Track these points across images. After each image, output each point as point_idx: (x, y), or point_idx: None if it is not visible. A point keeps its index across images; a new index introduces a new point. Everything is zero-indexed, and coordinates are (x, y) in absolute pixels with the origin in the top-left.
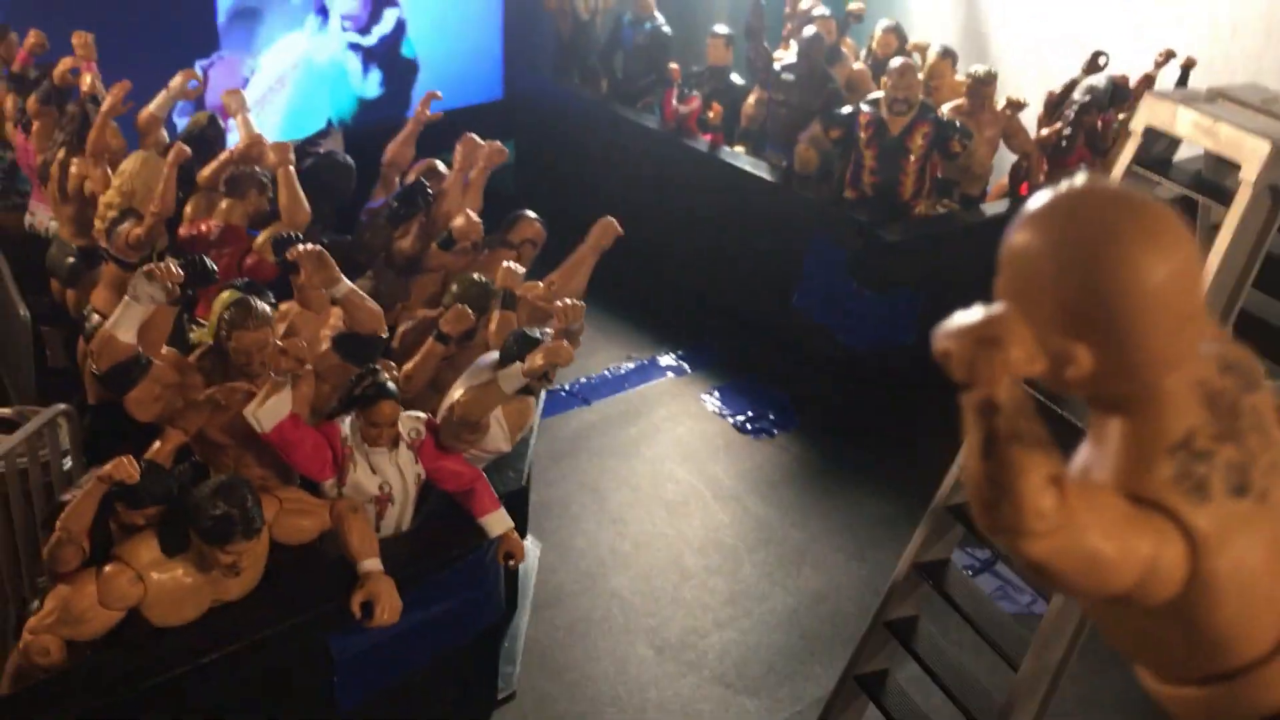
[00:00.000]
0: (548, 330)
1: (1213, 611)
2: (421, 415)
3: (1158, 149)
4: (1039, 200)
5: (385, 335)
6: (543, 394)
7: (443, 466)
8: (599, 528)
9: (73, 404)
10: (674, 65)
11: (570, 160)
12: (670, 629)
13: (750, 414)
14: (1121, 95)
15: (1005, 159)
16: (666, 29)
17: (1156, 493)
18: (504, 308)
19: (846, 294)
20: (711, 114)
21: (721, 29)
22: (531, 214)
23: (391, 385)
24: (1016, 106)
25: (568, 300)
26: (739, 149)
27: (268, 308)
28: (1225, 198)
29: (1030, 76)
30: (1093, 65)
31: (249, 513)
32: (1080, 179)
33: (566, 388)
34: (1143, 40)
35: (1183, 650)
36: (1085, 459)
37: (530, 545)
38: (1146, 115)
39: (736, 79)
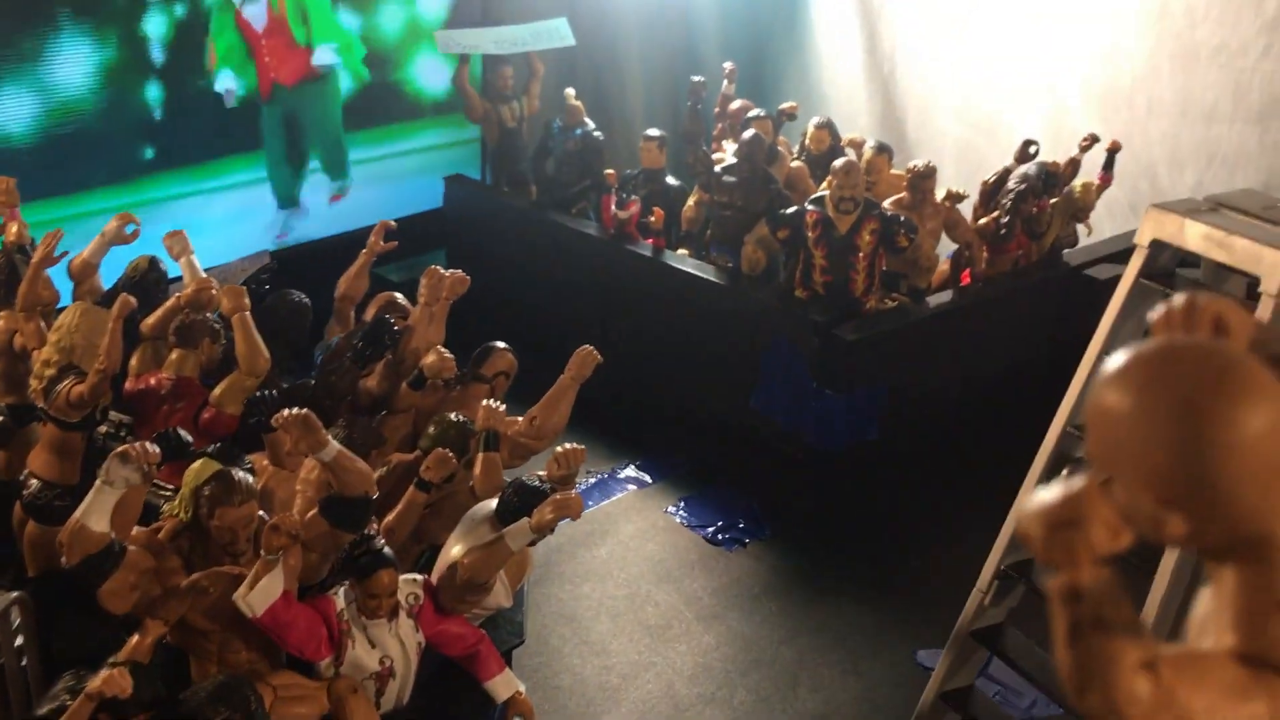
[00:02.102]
0: (542, 475)
1: None
2: (418, 578)
3: (1163, 260)
4: (1123, 361)
5: (376, 495)
6: None
7: (445, 630)
8: (583, 662)
9: (5, 577)
10: (610, 171)
11: (505, 269)
12: None
13: (720, 524)
14: (1052, 181)
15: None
16: (598, 134)
17: (1268, 649)
18: (486, 449)
19: (808, 394)
20: (653, 219)
21: (654, 132)
22: (502, 345)
23: (389, 551)
24: (956, 198)
25: (569, 446)
26: (682, 252)
27: (250, 479)
28: None
29: (949, 167)
30: (1024, 154)
31: (253, 715)
32: (1160, 340)
33: None
34: (1064, 127)
35: None
36: (1205, 609)
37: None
38: (1153, 228)
39: (672, 181)
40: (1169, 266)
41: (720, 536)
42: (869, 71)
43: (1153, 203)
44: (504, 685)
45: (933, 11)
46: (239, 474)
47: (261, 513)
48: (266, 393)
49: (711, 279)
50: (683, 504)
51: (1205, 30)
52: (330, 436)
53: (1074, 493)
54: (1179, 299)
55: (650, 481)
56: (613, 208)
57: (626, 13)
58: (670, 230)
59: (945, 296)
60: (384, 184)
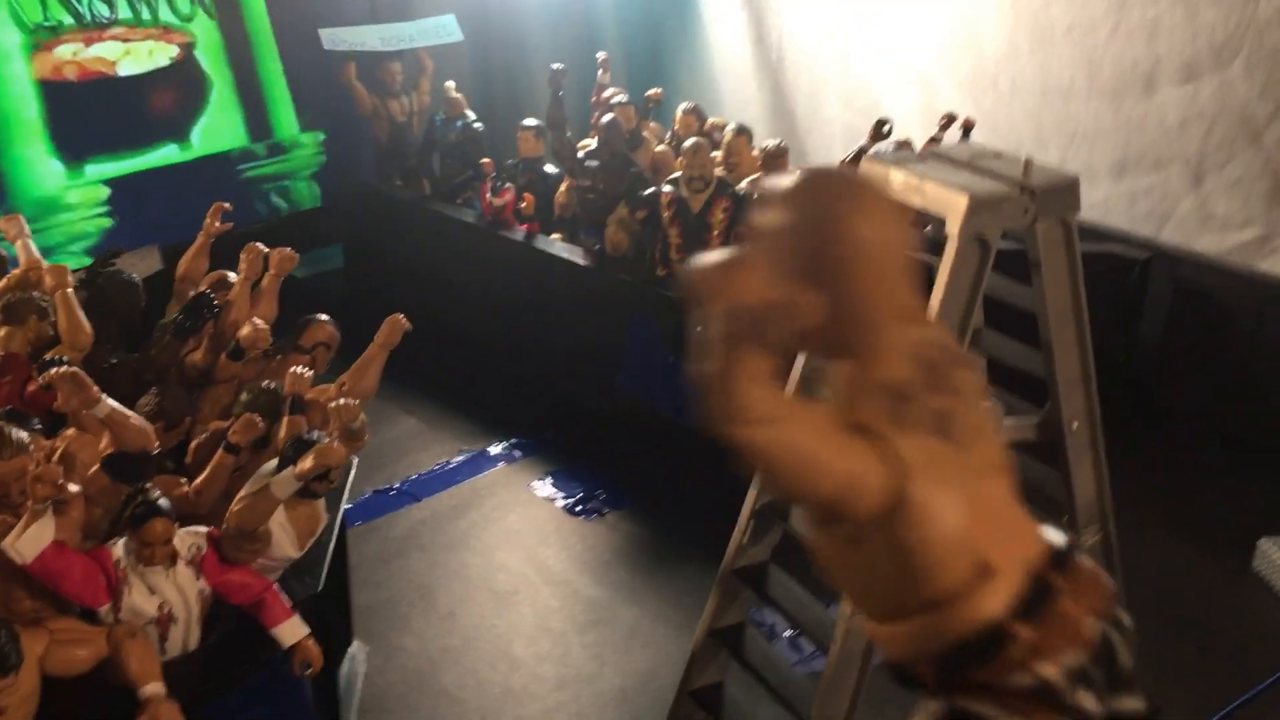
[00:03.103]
0: (322, 433)
1: (915, 535)
2: (202, 530)
3: None
4: (786, 180)
5: (155, 451)
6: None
7: (228, 580)
8: (428, 625)
9: None
10: (487, 160)
11: (399, 260)
12: None
13: (581, 496)
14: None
15: None
16: (478, 125)
17: (867, 419)
18: (293, 412)
19: (666, 369)
20: (524, 204)
21: (530, 121)
22: (323, 316)
23: (164, 502)
24: None
25: (341, 400)
26: (555, 236)
27: (24, 435)
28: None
29: (838, 151)
30: (877, 133)
31: (2, 649)
32: (817, 167)
33: (398, 485)
34: (937, 109)
35: (894, 581)
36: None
37: (356, 650)
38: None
39: (550, 169)
40: None
41: (579, 508)
42: (758, 60)
43: (871, 154)
44: (289, 631)
45: (814, 1)
46: (9, 429)
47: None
48: (58, 357)
49: (578, 261)
50: (549, 478)
51: (1058, 9)
52: (103, 394)
53: (739, 250)
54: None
55: (519, 456)
56: (488, 196)
57: (529, 8)
58: (546, 216)
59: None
60: None
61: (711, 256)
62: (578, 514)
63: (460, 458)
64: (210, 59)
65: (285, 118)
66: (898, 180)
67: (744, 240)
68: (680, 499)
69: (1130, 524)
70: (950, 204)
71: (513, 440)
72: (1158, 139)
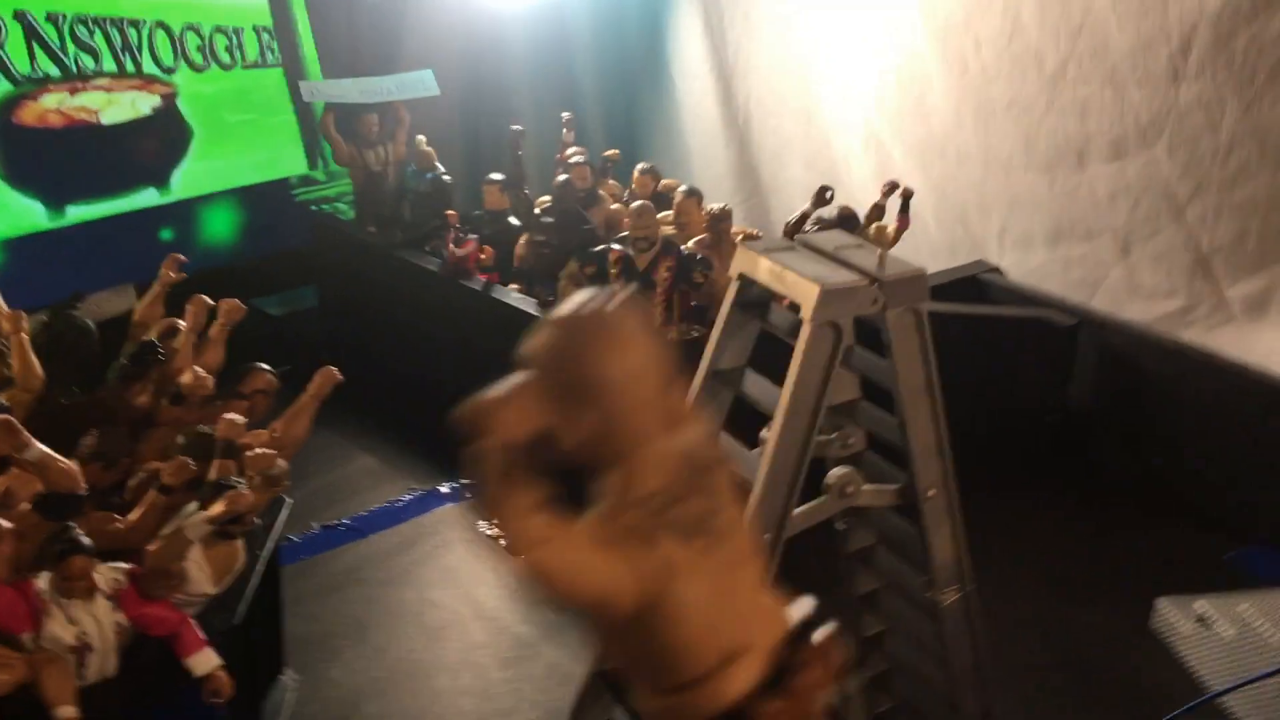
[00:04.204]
0: (241, 481)
1: (667, 630)
2: (124, 566)
3: (756, 291)
4: (552, 315)
5: (83, 491)
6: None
7: (145, 614)
8: (358, 657)
9: None
10: (451, 212)
11: (370, 303)
12: None
13: None
14: (851, 223)
15: None
16: (447, 177)
17: (630, 526)
18: (225, 456)
19: None
20: (484, 256)
21: (496, 176)
22: (263, 366)
23: (85, 540)
24: (751, 239)
25: (257, 450)
26: (513, 287)
27: None
28: None
29: (799, 207)
30: (820, 199)
31: None
32: (576, 300)
33: (346, 522)
34: (889, 175)
35: (656, 662)
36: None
37: (287, 681)
38: (739, 263)
39: (514, 221)
40: (763, 297)
41: None
42: (725, 121)
43: (747, 244)
44: (202, 662)
45: (778, 68)
46: None
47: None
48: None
49: (530, 311)
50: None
51: (999, 87)
52: (31, 439)
53: (501, 388)
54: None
55: (469, 497)
56: (451, 246)
57: (509, 65)
58: (505, 266)
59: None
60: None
61: (483, 395)
62: None
63: (409, 496)
64: (192, 108)
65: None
66: (764, 267)
67: (516, 373)
68: None
69: (1036, 578)
70: (805, 292)
71: (462, 480)
72: (1089, 210)
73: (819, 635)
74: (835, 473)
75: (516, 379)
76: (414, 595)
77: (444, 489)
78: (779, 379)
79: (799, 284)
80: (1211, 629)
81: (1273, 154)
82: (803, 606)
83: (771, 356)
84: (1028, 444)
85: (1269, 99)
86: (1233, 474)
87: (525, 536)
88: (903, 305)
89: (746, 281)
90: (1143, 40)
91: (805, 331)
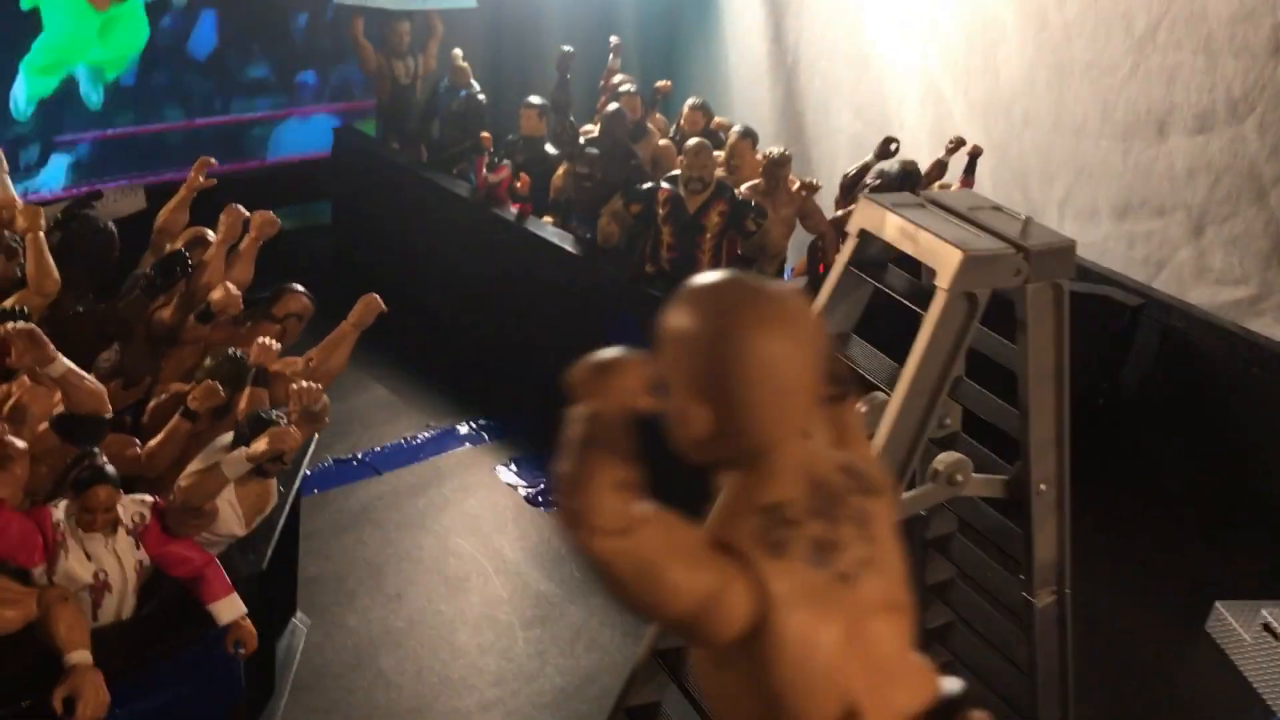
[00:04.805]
0: (282, 413)
1: (779, 669)
2: (148, 499)
3: (873, 250)
4: (688, 285)
5: (109, 415)
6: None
7: (169, 552)
8: (374, 604)
9: None
10: (485, 134)
11: (388, 224)
12: (433, 712)
13: (543, 485)
14: (913, 179)
15: (803, 238)
16: (481, 97)
17: (737, 539)
18: (256, 384)
19: None
20: (519, 184)
21: (535, 100)
22: (298, 287)
23: (110, 469)
24: (810, 188)
25: (304, 383)
26: (547, 220)
27: None
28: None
29: (844, 160)
30: (884, 151)
31: None
32: (722, 272)
33: (360, 456)
34: (948, 132)
35: (756, 714)
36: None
37: (298, 624)
38: (861, 218)
39: (550, 149)
40: (879, 257)
41: (540, 498)
42: (773, 61)
43: (869, 195)
44: (226, 609)
45: (833, 7)
46: None
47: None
48: (16, 307)
49: (567, 248)
50: (513, 464)
51: (1079, 46)
52: (58, 354)
53: (622, 353)
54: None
55: (487, 440)
56: (484, 171)
57: None
58: (540, 198)
59: (797, 283)
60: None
61: (596, 355)
62: (538, 504)
63: (426, 434)
64: None
65: None
66: (893, 225)
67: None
68: (664, 498)
69: (1088, 576)
70: (943, 258)
71: (481, 422)
72: (1163, 185)
73: (976, 715)
74: (944, 458)
75: (652, 348)
76: (432, 542)
77: (462, 429)
78: (880, 346)
79: (937, 247)
80: (1277, 639)
81: None
82: (952, 683)
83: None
84: (1078, 432)
85: None
86: None
87: (604, 521)
88: (1045, 279)
89: (867, 238)
90: (1245, 8)
91: (940, 300)
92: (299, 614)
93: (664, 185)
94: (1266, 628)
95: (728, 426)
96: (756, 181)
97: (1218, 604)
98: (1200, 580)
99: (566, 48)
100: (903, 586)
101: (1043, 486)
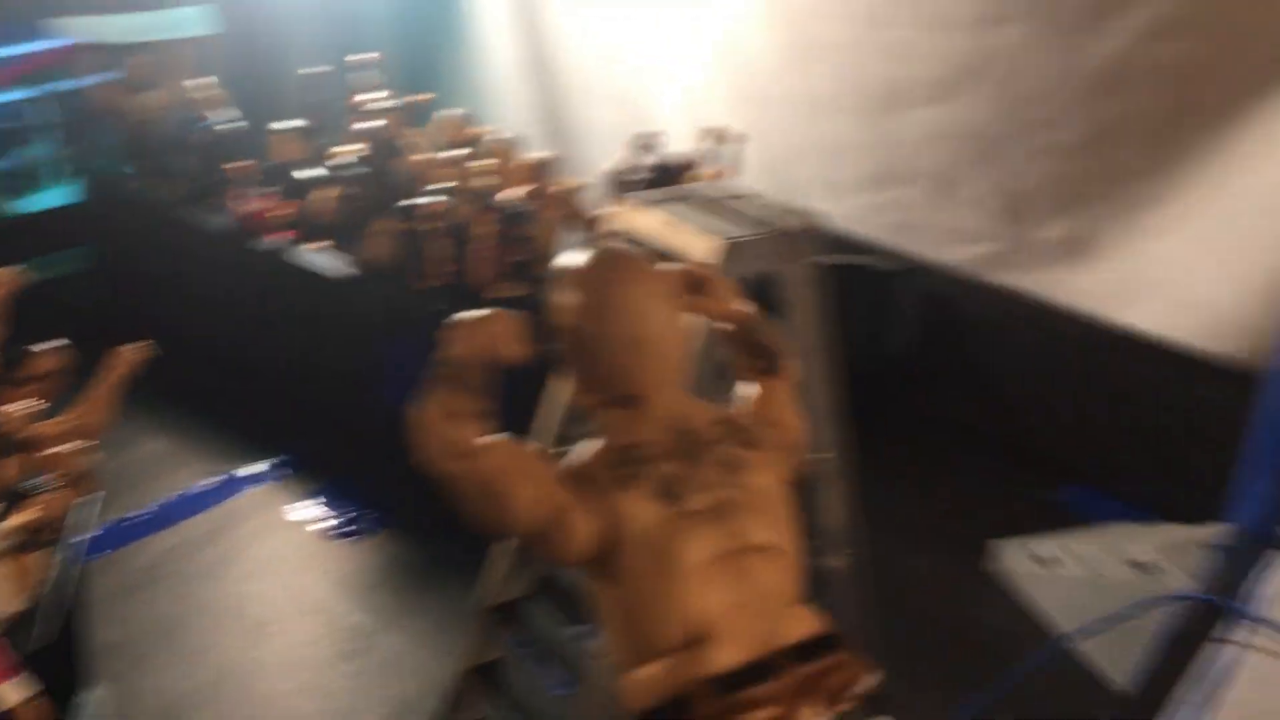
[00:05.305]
0: (47, 478)
1: (627, 586)
2: None
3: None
4: (566, 258)
5: None
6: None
7: None
8: (176, 663)
9: None
10: (238, 164)
11: (151, 266)
12: None
13: (345, 518)
14: (674, 173)
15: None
16: (235, 125)
17: (590, 470)
18: (21, 452)
19: None
20: (278, 211)
21: (289, 124)
22: (52, 344)
23: None
24: (574, 189)
25: (67, 446)
26: (310, 245)
27: None
28: None
29: (607, 152)
30: (644, 144)
31: None
32: (595, 247)
33: (146, 511)
34: (702, 119)
35: (622, 630)
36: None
37: (97, 695)
38: (623, 217)
39: (306, 173)
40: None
41: (342, 530)
42: (530, 63)
43: (624, 194)
44: (12, 692)
45: (583, 3)
46: None
47: None
48: None
49: (336, 272)
50: (311, 500)
51: (818, 27)
52: None
53: (492, 310)
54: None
55: (279, 479)
56: (240, 200)
57: (292, 3)
58: (302, 223)
59: None
60: None
61: (479, 313)
62: (341, 536)
63: (214, 480)
64: None
65: None
66: (652, 222)
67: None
68: (449, 516)
69: (882, 532)
70: (706, 248)
71: (272, 461)
72: (907, 155)
73: (842, 657)
74: None
75: (544, 317)
76: (232, 590)
77: (253, 469)
78: None
79: (694, 238)
80: (1055, 569)
81: (1085, 98)
82: (826, 624)
83: None
84: (850, 392)
85: (1082, 43)
86: (1052, 414)
87: (452, 445)
88: (802, 258)
89: (630, 238)
90: None
91: None
92: (97, 684)
93: (433, 199)
94: (1034, 558)
95: (601, 376)
96: (525, 186)
97: (994, 543)
98: (981, 523)
99: (319, 68)
100: (783, 532)
101: (823, 455)
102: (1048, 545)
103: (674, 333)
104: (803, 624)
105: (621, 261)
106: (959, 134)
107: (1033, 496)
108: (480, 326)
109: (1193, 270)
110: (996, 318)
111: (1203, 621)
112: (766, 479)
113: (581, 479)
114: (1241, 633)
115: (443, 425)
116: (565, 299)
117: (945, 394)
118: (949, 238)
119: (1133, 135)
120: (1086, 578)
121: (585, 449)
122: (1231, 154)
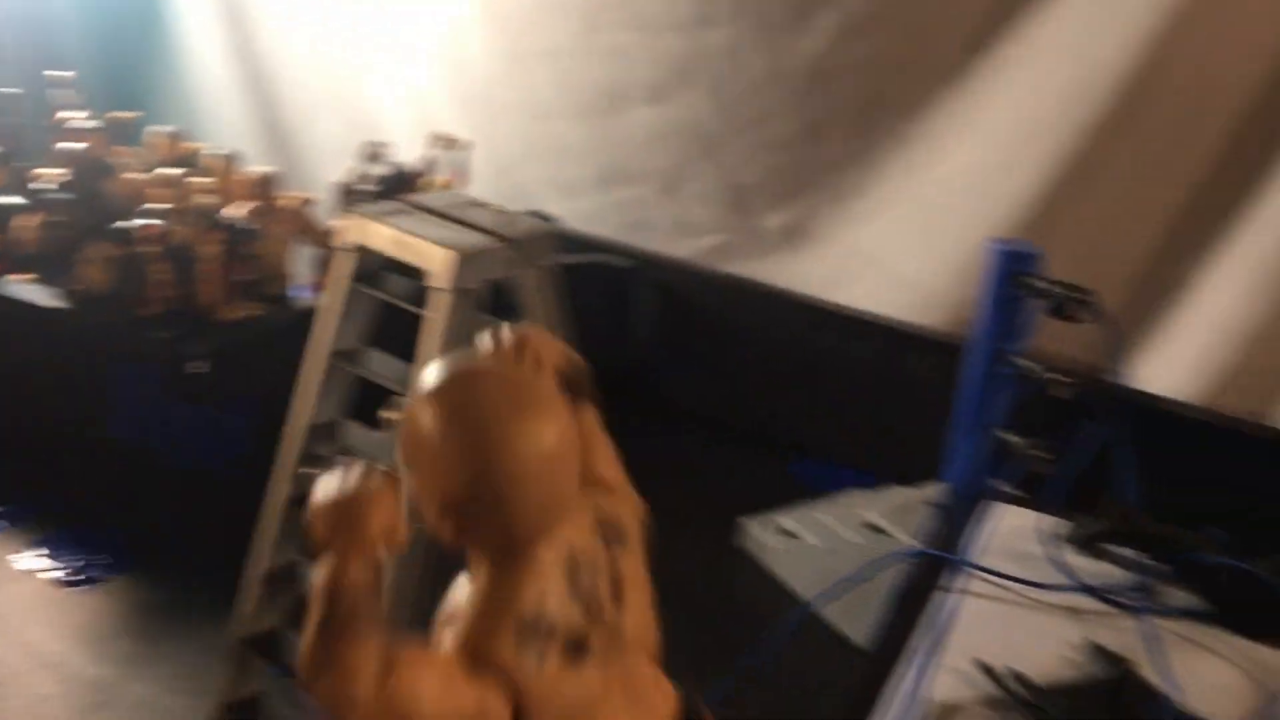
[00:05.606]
0: None
1: None
2: None
3: (371, 260)
4: (426, 385)
5: None
6: None
7: None
8: None
9: None
10: None
11: None
12: None
13: (77, 564)
14: (404, 182)
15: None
16: None
17: (495, 653)
18: None
19: (165, 414)
20: None
21: None
22: None
23: None
24: (304, 202)
25: None
26: (17, 277)
27: None
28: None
29: (335, 168)
30: (370, 154)
31: None
32: (468, 361)
33: None
34: (432, 127)
35: None
36: (459, 597)
37: None
38: (352, 231)
39: (9, 200)
40: (375, 266)
41: (75, 578)
42: (245, 77)
43: (354, 207)
44: None
45: (294, 16)
46: None
47: None
48: None
49: (45, 304)
50: (36, 549)
51: (533, 35)
52: None
53: (366, 485)
54: (507, 333)
55: (2, 529)
56: None
57: None
58: (4, 255)
59: (309, 301)
60: None
61: (333, 492)
62: (73, 584)
63: None
64: None
65: None
66: (383, 235)
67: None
68: (191, 553)
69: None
70: (438, 259)
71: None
72: (632, 154)
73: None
74: None
75: (369, 469)
76: None
77: None
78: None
79: (429, 250)
80: (797, 539)
81: (792, 95)
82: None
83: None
84: (596, 390)
85: (787, 43)
86: (782, 393)
87: (358, 702)
88: (532, 264)
89: (365, 252)
90: None
91: (444, 300)
92: None
93: (150, 221)
94: (779, 531)
95: (484, 525)
96: (250, 204)
97: (741, 519)
98: (722, 499)
99: (12, 90)
100: (650, 620)
101: None
102: (788, 518)
103: (573, 456)
104: (670, 700)
105: (506, 382)
106: (681, 133)
107: (774, 473)
108: (354, 518)
109: (899, 251)
110: (724, 304)
111: (928, 574)
112: (635, 569)
113: (486, 662)
114: (960, 580)
115: (364, 673)
116: (439, 435)
117: (686, 384)
118: (680, 232)
119: (837, 128)
120: (825, 546)
121: (483, 622)
122: (926, 141)
